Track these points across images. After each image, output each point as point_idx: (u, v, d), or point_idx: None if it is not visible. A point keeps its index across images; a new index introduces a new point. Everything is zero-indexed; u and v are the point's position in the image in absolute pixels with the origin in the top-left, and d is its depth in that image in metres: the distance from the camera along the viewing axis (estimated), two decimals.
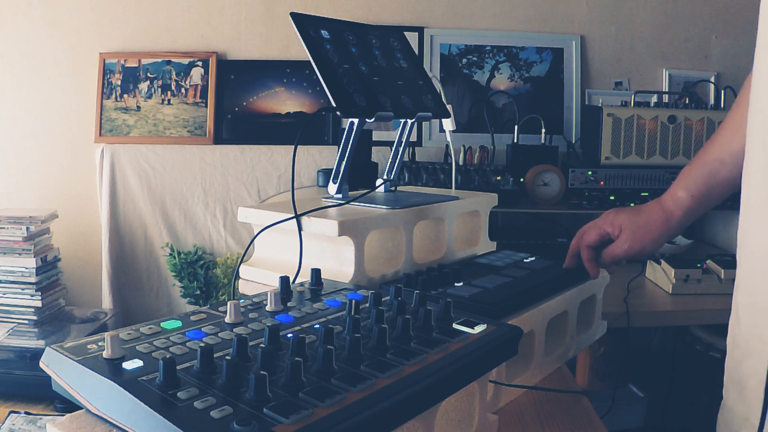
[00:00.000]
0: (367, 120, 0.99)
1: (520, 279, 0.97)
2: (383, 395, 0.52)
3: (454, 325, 0.67)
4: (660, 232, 0.97)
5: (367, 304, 0.72)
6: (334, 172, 1.03)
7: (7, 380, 1.33)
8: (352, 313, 0.68)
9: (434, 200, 1.07)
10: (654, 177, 1.97)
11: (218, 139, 2.18)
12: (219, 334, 0.62)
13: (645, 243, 0.98)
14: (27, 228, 1.73)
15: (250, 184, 2.15)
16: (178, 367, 0.52)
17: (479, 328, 0.67)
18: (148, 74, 2.18)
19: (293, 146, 1.07)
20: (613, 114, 1.98)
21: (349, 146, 1.01)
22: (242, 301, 0.71)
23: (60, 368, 0.55)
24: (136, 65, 2.18)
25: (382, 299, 0.75)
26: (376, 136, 2.06)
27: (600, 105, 2.00)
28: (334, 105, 0.95)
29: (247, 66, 2.21)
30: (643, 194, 1.96)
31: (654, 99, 2.11)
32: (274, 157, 2.15)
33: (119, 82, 2.17)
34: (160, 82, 2.18)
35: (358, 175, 1.58)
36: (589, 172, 1.97)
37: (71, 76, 2.16)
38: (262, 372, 0.50)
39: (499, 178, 1.92)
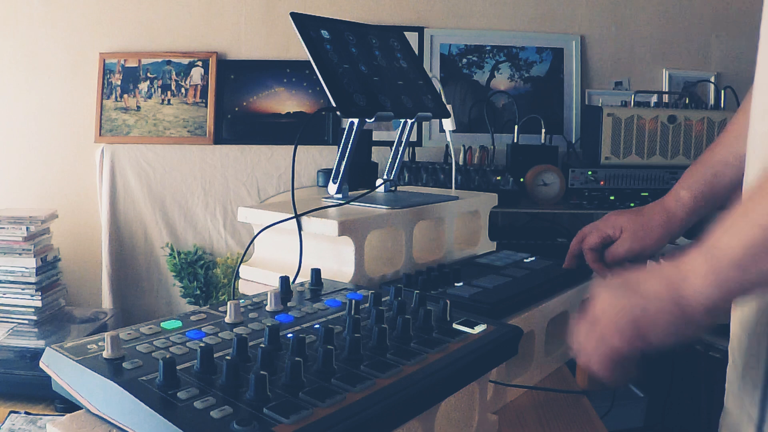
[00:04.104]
0: (367, 120, 0.99)
1: (520, 279, 0.97)
2: (383, 395, 0.52)
3: (454, 325, 0.68)
4: (661, 232, 0.97)
5: (367, 304, 0.72)
6: (334, 172, 1.03)
7: (7, 380, 1.33)
8: (352, 313, 0.68)
9: (434, 200, 1.07)
10: (654, 177, 1.97)
11: (218, 139, 2.18)
12: (219, 334, 0.62)
13: (646, 243, 0.97)
14: (27, 228, 1.73)
15: (250, 184, 2.15)
16: (178, 367, 0.52)
17: (479, 328, 0.67)
18: (148, 74, 2.18)
19: (293, 146, 1.07)
20: (613, 114, 1.98)
21: (349, 146, 1.01)
22: (242, 301, 0.71)
23: (60, 368, 0.55)
24: (136, 65, 2.18)
25: (382, 299, 0.75)
26: (376, 136, 2.07)
27: (600, 105, 2.00)
28: (334, 105, 0.95)
29: (247, 66, 2.21)
30: (643, 194, 1.96)
31: (654, 99, 2.11)
32: (274, 157, 2.15)
33: (119, 82, 2.17)
34: (160, 82, 2.18)
35: (358, 175, 1.58)
36: (589, 172, 1.97)
37: (71, 76, 2.16)
38: (262, 372, 0.50)
39: (499, 178, 1.92)
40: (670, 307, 0.56)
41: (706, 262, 0.54)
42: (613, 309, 0.60)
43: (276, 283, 0.77)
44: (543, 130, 2.12)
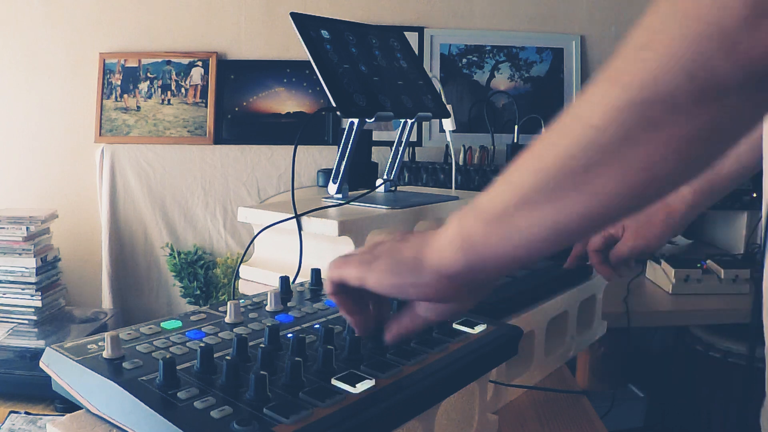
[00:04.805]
0: (367, 120, 0.99)
1: (520, 279, 0.97)
2: (383, 395, 0.52)
3: (454, 325, 0.68)
4: (662, 228, 0.97)
5: None
6: (334, 172, 1.03)
7: (7, 380, 1.33)
8: None
9: (434, 200, 1.08)
10: None
11: (218, 139, 2.18)
12: (219, 334, 0.62)
13: (648, 239, 0.98)
14: (27, 228, 1.73)
15: (250, 184, 2.15)
16: (178, 367, 0.52)
17: (479, 328, 0.67)
18: (148, 74, 2.18)
19: (293, 146, 1.07)
20: None
21: (349, 146, 1.01)
22: (242, 301, 0.71)
23: (60, 368, 0.55)
24: (136, 65, 2.18)
25: None
26: (376, 136, 2.06)
27: None
28: (334, 105, 0.95)
29: (247, 66, 2.21)
30: None
31: None
32: (274, 157, 2.15)
33: (119, 82, 2.17)
34: (160, 82, 2.18)
35: (358, 175, 1.58)
36: None
37: (71, 76, 2.16)
38: (262, 372, 0.50)
39: None
40: (405, 256, 0.51)
41: (457, 222, 0.49)
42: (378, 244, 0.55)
43: (276, 283, 0.77)
44: (543, 130, 2.11)
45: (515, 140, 2.12)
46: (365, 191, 1.10)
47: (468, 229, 0.47)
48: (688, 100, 0.36)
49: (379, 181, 1.16)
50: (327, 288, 0.57)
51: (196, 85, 2.19)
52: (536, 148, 0.44)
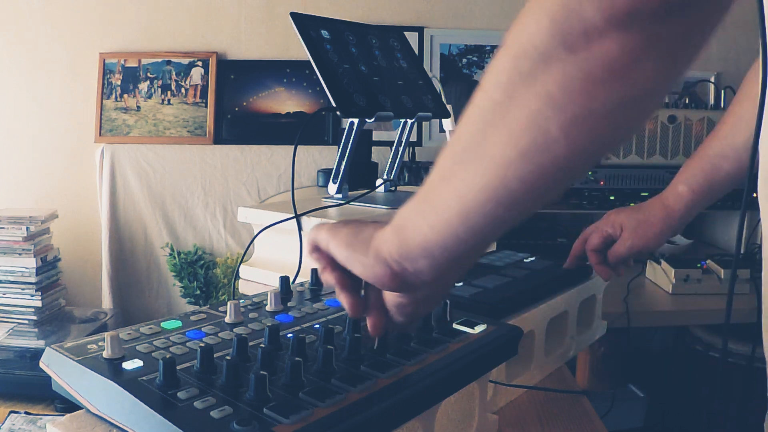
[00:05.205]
0: (367, 120, 0.99)
1: (520, 279, 0.97)
2: (383, 395, 0.52)
3: (454, 325, 0.68)
4: (661, 227, 0.97)
5: None
6: (334, 172, 1.03)
7: (7, 380, 1.33)
8: None
9: None
10: (654, 177, 1.97)
11: (218, 139, 2.18)
12: (219, 334, 0.62)
13: (647, 239, 0.97)
14: (27, 228, 1.72)
15: (250, 184, 2.15)
16: (178, 367, 0.52)
17: (479, 328, 0.67)
18: (148, 74, 2.18)
19: (293, 146, 1.07)
20: None
21: (349, 146, 1.01)
22: (242, 301, 0.71)
23: (60, 368, 0.55)
24: (136, 65, 2.18)
25: None
26: (376, 136, 2.06)
27: None
28: (334, 105, 0.95)
29: (247, 66, 2.21)
30: (643, 194, 1.96)
31: None
32: (274, 157, 2.15)
33: (119, 82, 2.17)
34: (160, 82, 2.18)
35: (358, 175, 1.58)
36: (589, 172, 1.97)
37: (71, 76, 2.16)
38: (262, 372, 0.50)
39: None
40: (363, 233, 0.52)
41: (400, 210, 0.49)
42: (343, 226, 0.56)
43: (276, 283, 0.77)
44: None
45: None
46: (365, 191, 1.10)
47: (403, 213, 0.48)
48: (555, 46, 0.35)
49: (379, 181, 1.16)
50: (306, 248, 0.57)
51: (196, 85, 2.19)
52: (458, 125, 0.44)
